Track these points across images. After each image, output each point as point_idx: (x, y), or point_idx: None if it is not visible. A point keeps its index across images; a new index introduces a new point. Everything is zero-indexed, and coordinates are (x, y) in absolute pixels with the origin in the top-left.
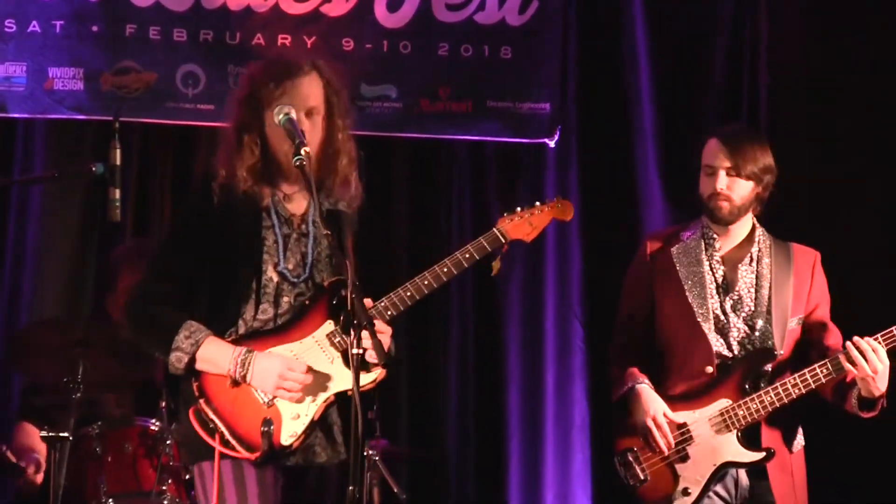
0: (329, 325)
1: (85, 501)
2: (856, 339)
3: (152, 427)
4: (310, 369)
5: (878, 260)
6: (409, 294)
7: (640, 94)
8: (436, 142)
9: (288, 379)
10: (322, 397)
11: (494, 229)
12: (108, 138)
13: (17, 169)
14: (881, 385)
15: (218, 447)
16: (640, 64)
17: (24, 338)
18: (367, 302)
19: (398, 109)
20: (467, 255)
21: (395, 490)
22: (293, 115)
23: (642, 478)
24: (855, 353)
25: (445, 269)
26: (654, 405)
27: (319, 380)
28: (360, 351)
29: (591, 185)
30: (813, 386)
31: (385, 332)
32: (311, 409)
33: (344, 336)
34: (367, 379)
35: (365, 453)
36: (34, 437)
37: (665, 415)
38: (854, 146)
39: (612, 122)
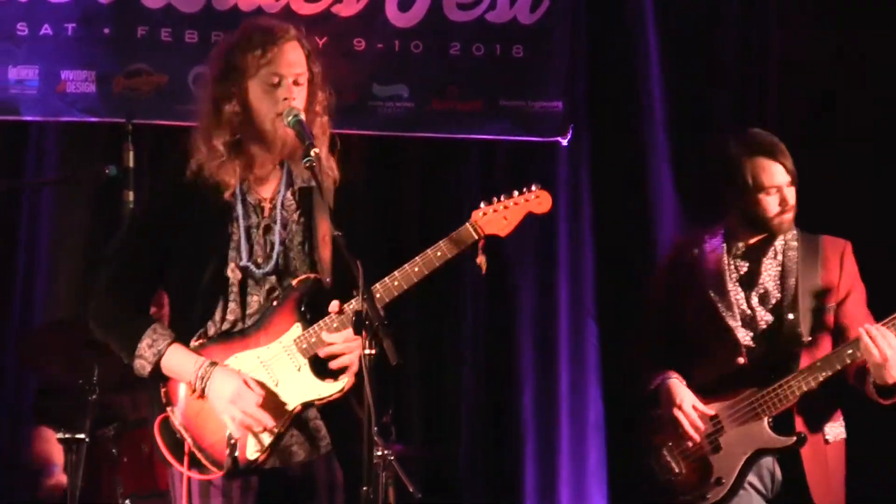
0: (297, 329)
1: (102, 502)
2: (867, 325)
3: None
4: (264, 387)
5: (890, 251)
6: (378, 296)
7: (652, 90)
8: (447, 141)
9: (236, 407)
10: (287, 409)
11: (467, 224)
12: (120, 140)
13: (30, 171)
14: (894, 372)
15: (181, 468)
16: (650, 60)
17: (37, 340)
18: (334, 304)
19: (410, 109)
20: (439, 254)
21: (411, 489)
22: (302, 116)
23: (676, 471)
24: (866, 340)
25: (416, 269)
26: (682, 396)
27: (286, 391)
28: (373, 352)
29: (604, 182)
30: (838, 368)
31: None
32: (275, 422)
33: (312, 341)
34: (333, 388)
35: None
36: (52, 442)
37: (694, 406)
38: (863, 140)
39: (623, 119)
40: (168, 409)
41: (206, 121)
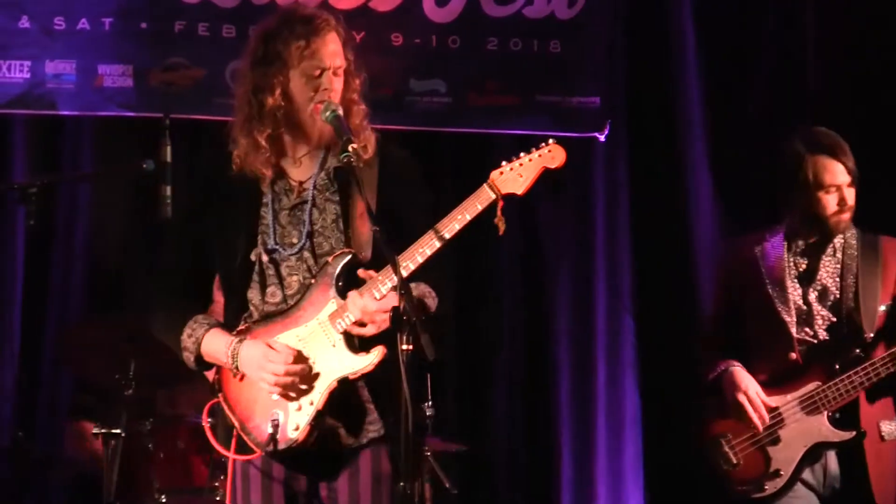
0: (332, 305)
1: (138, 497)
2: None
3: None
4: (299, 357)
5: None
6: (404, 264)
7: (690, 86)
8: (484, 136)
9: (267, 371)
10: (324, 385)
11: (485, 185)
12: (157, 135)
13: (66, 166)
14: None
15: (230, 455)
16: (688, 55)
17: (74, 335)
18: (370, 273)
19: (447, 104)
20: (459, 217)
21: (447, 485)
22: (340, 111)
23: (734, 462)
24: None
25: (438, 235)
26: (746, 382)
27: (321, 367)
28: (410, 348)
29: (641, 178)
30: None
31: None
32: (314, 398)
33: (346, 315)
34: (365, 362)
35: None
36: (89, 436)
37: (758, 393)
38: None
39: (661, 115)
40: (220, 395)
41: (247, 112)
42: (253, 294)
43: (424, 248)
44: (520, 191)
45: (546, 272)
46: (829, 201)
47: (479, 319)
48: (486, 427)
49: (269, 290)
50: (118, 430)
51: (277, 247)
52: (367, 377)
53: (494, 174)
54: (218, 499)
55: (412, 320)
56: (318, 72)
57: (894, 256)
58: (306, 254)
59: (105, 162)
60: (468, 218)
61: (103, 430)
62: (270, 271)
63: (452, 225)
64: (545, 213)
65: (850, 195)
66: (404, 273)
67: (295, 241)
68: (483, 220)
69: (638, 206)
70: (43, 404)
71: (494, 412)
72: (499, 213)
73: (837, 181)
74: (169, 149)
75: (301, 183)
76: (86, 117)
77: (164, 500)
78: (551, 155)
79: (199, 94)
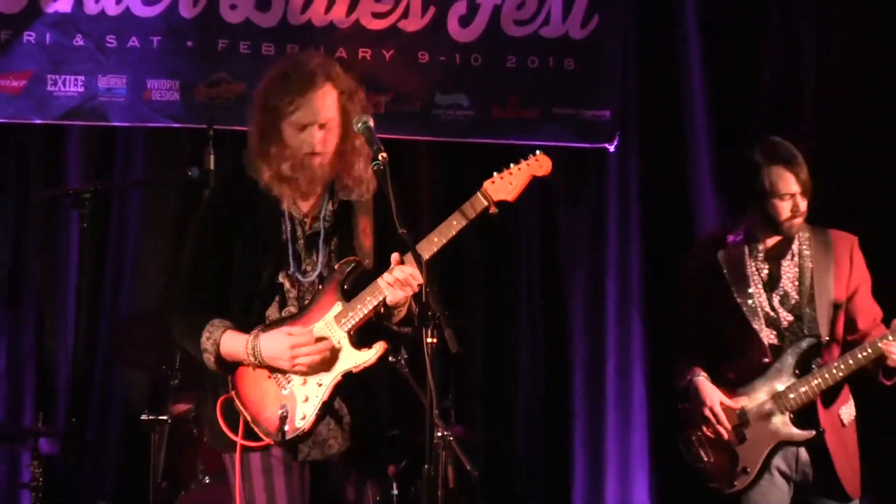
0: (338, 307)
1: (183, 478)
2: (886, 344)
3: None
4: (318, 339)
5: None
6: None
7: (695, 100)
8: (507, 147)
9: (300, 354)
10: (329, 378)
11: (478, 192)
12: (202, 144)
13: (118, 173)
14: None
15: (239, 440)
16: (694, 72)
17: (125, 331)
18: (395, 256)
19: (471, 116)
20: (455, 222)
21: (468, 467)
22: (371, 123)
23: (706, 459)
24: (891, 353)
25: (435, 239)
26: (710, 396)
27: (327, 362)
28: (434, 341)
29: (650, 185)
30: (854, 368)
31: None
32: (319, 391)
33: (350, 315)
34: (368, 356)
35: (438, 433)
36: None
37: (721, 403)
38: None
39: (669, 128)
40: (232, 392)
41: (256, 149)
42: (272, 311)
43: (422, 252)
44: (510, 197)
45: (562, 275)
46: (784, 208)
47: (503, 318)
48: (507, 416)
49: (287, 308)
50: (165, 417)
51: (296, 274)
52: (349, 393)
53: (487, 183)
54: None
55: (437, 316)
56: (301, 126)
57: (845, 251)
58: (318, 280)
59: (154, 169)
60: (464, 222)
61: (151, 417)
62: (291, 294)
63: (449, 229)
64: (563, 220)
65: (803, 203)
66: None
67: (310, 269)
68: (507, 235)
69: (647, 212)
70: (95, 395)
71: (516, 402)
72: (493, 209)
73: (791, 190)
74: (213, 157)
75: (312, 216)
76: (136, 128)
77: (207, 482)
78: (538, 164)
79: (240, 107)
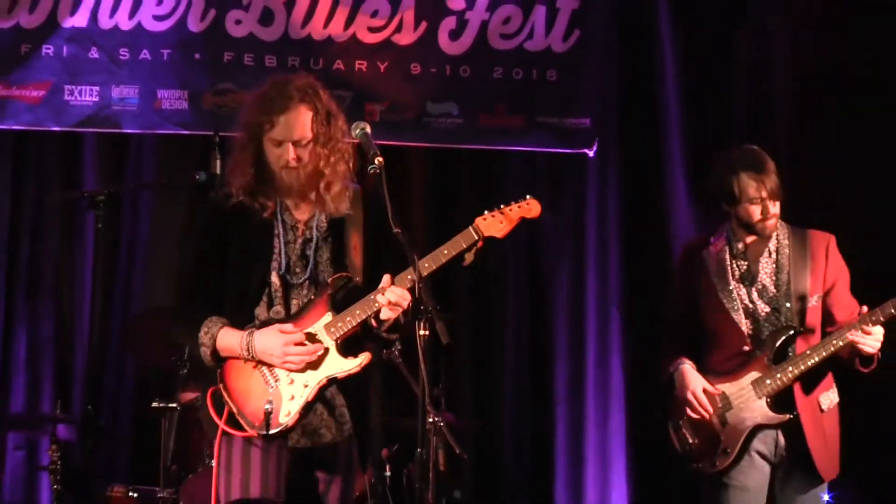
0: (328, 317)
1: (190, 461)
2: (862, 313)
3: None
4: (308, 338)
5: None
6: (409, 277)
7: (669, 108)
8: (494, 152)
9: (291, 353)
10: (315, 381)
11: (470, 227)
12: (209, 150)
13: (130, 177)
14: (877, 346)
15: (222, 425)
16: (669, 81)
17: (136, 325)
18: (386, 278)
19: (460, 124)
20: (445, 252)
21: (458, 451)
22: (368, 129)
23: (691, 441)
24: (859, 341)
25: (427, 265)
26: (693, 382)
27: (314, 366)
28: (427, 333)
29: (628, 188)
30: (826, 356)
31: (404, 297)
32: (305, 392)
33: (339, 325)
34: (353, 364)
35: (430, 419)
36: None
37: (704, 389)
38: (871, 151)
39: (645, 133)
40: (220, 385)
41: (237, 159)
42: (260, 311)
43: (414, 275)
44: (499, 235)
45: (546, 273)
46: (754, 211)
47: (491, 313)
48: (495, 403)
49: (275, 308)
50: (174, 405)
51: (287, 275)
52: (340, 384)
53: (479, 220)
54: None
55: (429, 310)
56: (276, 142)
57: (821, 248)
58: (308, 283)
59: (163, 173)
60: (453, 254)
61: (161, 405)
62: (279, 294)
63: (439, 258)
64: (546, 221)
65: (772, 206)
66: (408, 282)
67: (299, 271)
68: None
69: (625, 214)
70: (109, 384)
71: (503, 390)
72: (473, 251)
73: (759, 195)
74: (219, 162)
75: (304, 223)
76: (147, 135)
77: (212, 464)
78: (529, 208)
79: None
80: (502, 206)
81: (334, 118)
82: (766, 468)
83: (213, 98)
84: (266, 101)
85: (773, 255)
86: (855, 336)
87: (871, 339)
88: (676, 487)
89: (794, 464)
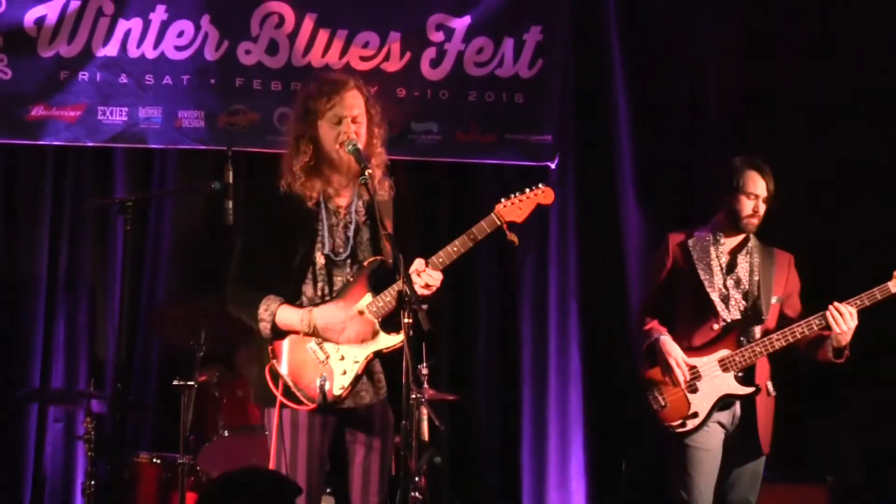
0: (368, 297)
1: (207, 432)
2: (836, 303)
3: None
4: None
5: (843, 251)
6: (440, 260)
7: (620, 126)
8: (469, 164)
9: (349, 327)
10: (363, 355)
11: (492, 214)
12: (223, 162)
13: (155, 186)
14: (848, 338)
15: (280, 397)
16: (620, 105)
17: (160, 312)
18: (420, 262)
19: (439, 140)
20: (471, 236)
21: (437, 423)
22: (359, 145)
23: (663, 404)
24: (835, 315)
25: (455, 249)
26: (675, 350)
27: (364, 339)
28: (410, 321)
29: (584, 196)
30: (791, 341)
31: (437, 277)
32: (355, 366)
33: (379, 305)
34: (395, 340)
35: (413, 395)
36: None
37: (683, 358)
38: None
39: (599, 148)
40: (273, 361)
41: (290, 151)
42: (307, 288)
43: (444, 258)
44: (519, 220)
45: (513, 269)
46: (747, 205)
47: (464, 304)
48: (470, 382)
49: (319, 285)
50: (192, 382)
51: (330, 254)
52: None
53: (499, 206)
54: (267, 433)
55: (412, 300)
56: (337, 119)
57: (784, 262)
58: (349, 262)
59: (183, 182)
60: (479, 237)
61: (181, 383)
62: (322, 272)
63: (466, 242)
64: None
65: (762, 207)
66: (440, 264)
67: (342, 251)
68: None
69: (582, 217)
70: (136, 365)
71: (477, 373)
72: (508, 233)
73: (757, 191)
74: (231, 173)
75: (345, 207)
76: (169, 149)
77: (226, 435)
78: (544, 194)
79: (254, 132)
80: (518, 193)
81: (376, 105)
82: (722, 434)
83: (226, 118)
84: (324, 87)
85: (748, 257)
86: (832, 314)
87: (843, 322)
88: (622, 454)
89: (743, 435)
